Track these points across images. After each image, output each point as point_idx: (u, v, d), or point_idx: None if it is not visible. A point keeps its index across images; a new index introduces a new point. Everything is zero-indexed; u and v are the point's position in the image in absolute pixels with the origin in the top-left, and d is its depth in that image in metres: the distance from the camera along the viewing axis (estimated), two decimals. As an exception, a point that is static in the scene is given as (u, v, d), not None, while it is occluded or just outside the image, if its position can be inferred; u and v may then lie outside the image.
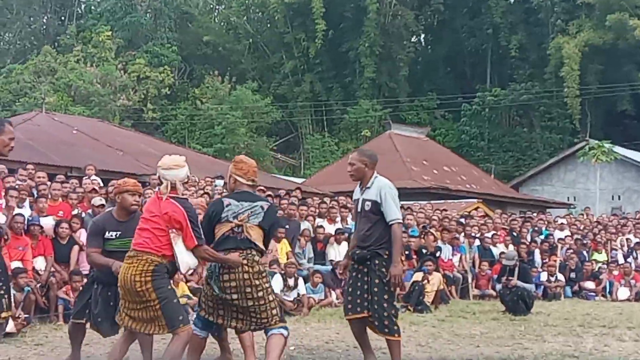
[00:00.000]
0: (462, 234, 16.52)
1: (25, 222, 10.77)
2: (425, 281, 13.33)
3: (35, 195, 12.03)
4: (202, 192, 14.53)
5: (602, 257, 18.38)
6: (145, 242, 5.92)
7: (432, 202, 23.29)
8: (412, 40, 52.48)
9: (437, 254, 14.81)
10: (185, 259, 5.94)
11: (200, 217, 6.32)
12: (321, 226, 14.63)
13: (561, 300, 15.92)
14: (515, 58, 47.29)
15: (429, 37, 56.35)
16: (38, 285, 10.41)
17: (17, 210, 10.90)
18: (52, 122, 24.68)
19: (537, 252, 17.36)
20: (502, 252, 15.99)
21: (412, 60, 50.26)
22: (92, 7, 52.83)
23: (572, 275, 17.14)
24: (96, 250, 6.65)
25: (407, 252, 14.74)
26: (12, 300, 8.95)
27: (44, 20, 54.09)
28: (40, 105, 30.99)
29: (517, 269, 13.77)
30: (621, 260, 18.41)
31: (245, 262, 6.07)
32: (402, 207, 17.88)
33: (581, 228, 20.19)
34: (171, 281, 6.14)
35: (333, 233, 14.28)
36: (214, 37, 50.17)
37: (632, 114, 45.02)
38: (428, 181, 31.68)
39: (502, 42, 47.65)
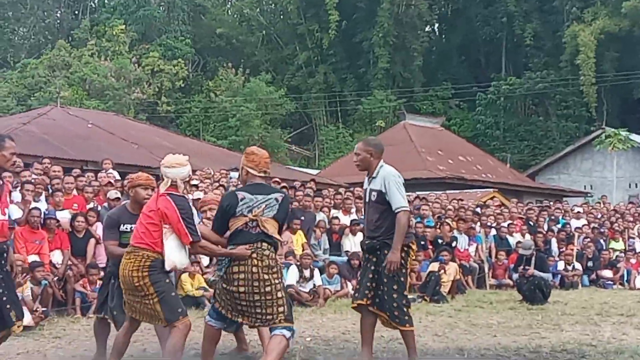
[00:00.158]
0: (478, 223, 16.47)
1: (42, 216, 10.83)
2: (442, 271, 13.30)
3: (50, 190, 12.08)
4: (217, 184, 14.57)
5: (619, 245, 18.28)
6: (141, 237, 6.00)
7: (447, 192, 23.22)
8: (426, 29, 52.25)
9: (453, 244, 14.79)
10: (172, 257, 5.95)
11: (213, 213, 6.31)
12: (336, 217, 14.64)
13: (578, 289, 15.85)
14: (530, 46, 46.98)
15: (443, 26, 56.12)
16: (55, 279, 10.47)
17: (33, 204, 10.95)
18: (67, 116, 24.76)
19: (554, 241, 17.28)
20: (519, 242, 15.95)
21: (426, 50, 50.08)
22: (106, 1, 52.88)
23: (590, 263, 17.06)
24: (114, 242, 6.74)
25: (422, 243, 14.74)
26: (30, 297, 9.01)
27: (58, 15, 54.26)
28: (55, 99, 31.11)
29: (533, 258, 13.74)
30: (638, 248, 18.33)
31: (254, 255, 6.01)
32: (417, 197, 18.05)
33: (598, 216, 20.09)
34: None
35: (348, 224, 14.28)
36: (228, 30, 50.17)
37: (648, 102, 44.70)
38: (443, 171, 31.58)
39: (516, 30, 47.35)
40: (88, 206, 12.00)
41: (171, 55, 45.15)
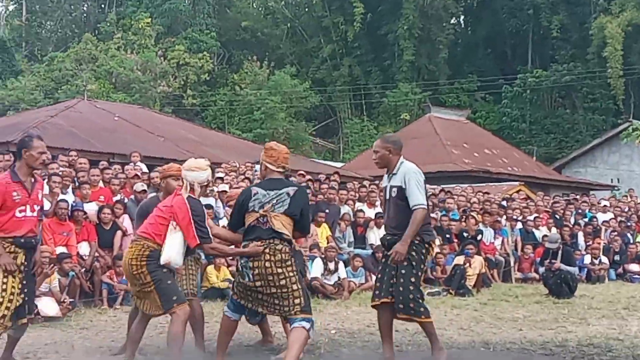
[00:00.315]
0: (504, 217, 16.40)
1: (69, 208, 10.94)
2: (467, 265, 13.28)
3: (77, 182, 12.18)
4: (242, 177, 14.63)
5: (646, 239, 18.14)
6: (146, 228, 6.15)
7: (473, 185, 23.11)
8: (452, 22, 51.87)
9: (479, 238, 14.75)
10: (170, 253, 6.04)
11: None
12: (361, 210, 14.65)
13: (605, 283, 15.74)
14: (557, 38, 46.50)
15: (468, 18, 55.72)
16: (82, 270, 10.58)
17: (60, 197, 11.06)
18: (94, 109, 24.91)
19: (580, 234, 17.19)
20: (545, 235, 15.87)
21: (452, 42, 49.73)
22: (132, -6, 53.14)
23: (616, 257, 16.95)
24: None
25: (447, 236, 14.73)
26: (57, 289, 9.12)
27: (84, 8, 54.56)
28: (82, 92, 31.31)
29: (560, 251, 13.67)
30: (666, 242, 18.14)
31: (267, 250, 6.09)
32: (442, 190, 17.99)
33: (625, 210, 19.93)
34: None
35: (373, 217, 14.28)
36: (252, 23, 50.17)
37: (676, 94, 44.18)
38: (469, 164, 31.42)
39: (543, 22, 46.88)
40: (115, 198, 12.10)
41: (196, 48, 45.24)
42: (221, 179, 14.08)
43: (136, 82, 39.87)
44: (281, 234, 6.13)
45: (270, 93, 42.34)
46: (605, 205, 19.55)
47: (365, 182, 18.11)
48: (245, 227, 6.28)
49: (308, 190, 14.04)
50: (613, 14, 42.98)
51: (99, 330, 8.58)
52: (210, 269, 11.26)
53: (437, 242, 13.43)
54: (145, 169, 14.24)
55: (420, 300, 6.67)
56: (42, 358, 6.87)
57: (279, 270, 6.08)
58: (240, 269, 6.30)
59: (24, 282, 6.28)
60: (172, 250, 6.03)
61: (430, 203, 7.38)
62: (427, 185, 7.00)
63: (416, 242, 6.59)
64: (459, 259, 13.43)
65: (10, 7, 53.85)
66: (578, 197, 21.97)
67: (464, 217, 15.36)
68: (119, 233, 11.30)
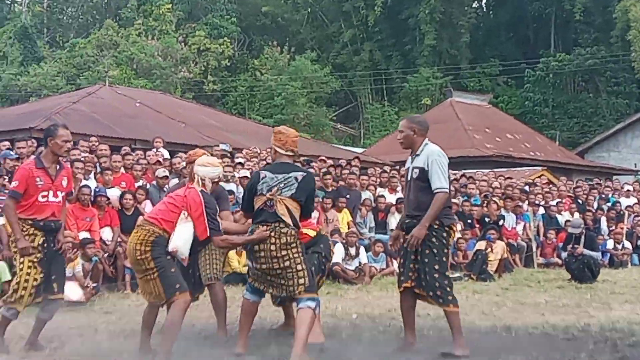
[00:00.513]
0: (526, 202, 16.32)
1: (92, 193, 11.01)
2: (489, 250, 13.24)
3: (99, 168, 12.25)
4: (263, 162, 14.64)
5: (670, 224, 17.96)
6: (155, 213, 6.21)
7: (495, 170, 23.00)
8: (473, 5, 51.54)
9: (500, 223, 14.69)
10: (178, 242, 6.08)
11: None
12: (382, 196, 14.64)
13: (628, 268, 15.66)
14: (580, 22, 46.05)
15: (490, 2, 55.27)
16: (105, 255, 10.67)
17: (83, 182, 11.13)
18: (115, 95, 25.04)
19: (603, 219, 17.07)
20: (568, 220, 15.79)
21: (474, 26, 49.37)
22: (152, -20, 53.19)
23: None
24: None
25: (469, 221, 14.69)
26: (81, 273, 9.18)
27: (105, -5, 54.74)
28: (104, 78, 31.48)
29: (583, 236, 13.60)
30: (690, 227, 17.96)
31: (272, 234, 6.15)
32: (464, 175, 17.92)
33: (649, 195, 19.73)
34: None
35: (394, 202, 14.26)
36: (273, 8, 50.08)
37: (701, 77, 43.60)
38: (491, 149, 31.27)
39: (566, 5, 46.43)
40: (137, 184, 12.16)
41: (217, 34, 45.26)
42: (242, 164, 14.11)
43: (157, 68, 39.99)
44: (284, 219, 6.17)
45: (290, 78, 42.31)
46: (628, 190, 19.39)
47: (386, 168, 18.07)
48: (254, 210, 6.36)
49: (329, 176, 14.07)
50: (637, -4, 42.46)
51: (122, 315, 8.64)
52: (232, 254, 11.29)
53: (459, 227, 13.47)
54: (167, 155, 14.31)
55: (448, 289, 6.52)
56: (66, 342, 6.93)
57: (283, 253, 6.15)
58: (248, 252, 6.41)
59: (46, 261, 6.48)
60: (180, 240, 6.07)
61: (452, 188, 7.31)
62: (449, 171, 6.92)
63: (435, 226, 6.47)
64: (481, 244, 13.39)
65: (32, -6, 54.12)
66: (601, 181, 21.81)
67: (486, 202, 15.31)
68: (141, 218, 11.34)
